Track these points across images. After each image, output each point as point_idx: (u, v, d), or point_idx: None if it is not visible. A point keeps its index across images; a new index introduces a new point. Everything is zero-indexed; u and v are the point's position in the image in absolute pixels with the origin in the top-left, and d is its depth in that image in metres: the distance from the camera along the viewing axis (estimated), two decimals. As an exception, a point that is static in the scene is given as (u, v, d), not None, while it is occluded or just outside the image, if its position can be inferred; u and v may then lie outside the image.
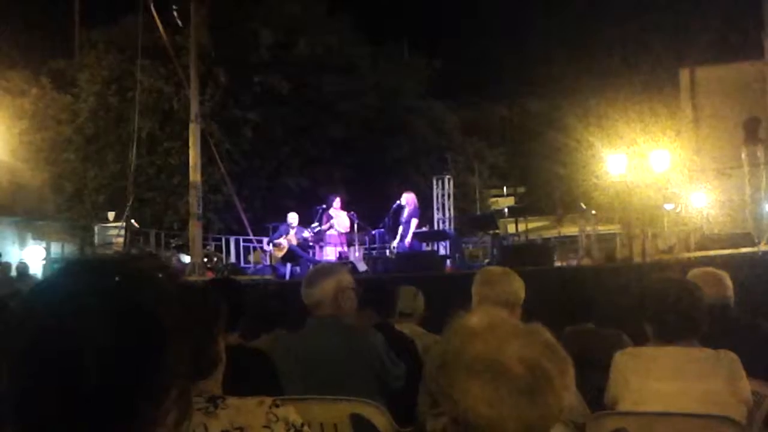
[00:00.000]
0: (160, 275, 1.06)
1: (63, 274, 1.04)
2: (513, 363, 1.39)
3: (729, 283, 4.03)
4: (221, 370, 2.13)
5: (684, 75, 27.53)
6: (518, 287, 3.38)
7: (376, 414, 3.26)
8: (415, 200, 14.35)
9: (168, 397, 1.00)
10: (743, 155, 20.32)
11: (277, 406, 1.95)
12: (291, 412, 1.97)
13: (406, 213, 14.26)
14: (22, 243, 22.33)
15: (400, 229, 14.29)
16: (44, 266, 17.87)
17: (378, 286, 4.64)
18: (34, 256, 19.49)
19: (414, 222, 14.18)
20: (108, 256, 1.08)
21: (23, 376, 0.95)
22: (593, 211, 16.62)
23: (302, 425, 1.98)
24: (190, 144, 15.94)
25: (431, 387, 1.50)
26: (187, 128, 16.55)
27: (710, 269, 4.09)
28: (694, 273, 3.92)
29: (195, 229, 15.47)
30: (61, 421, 0.93)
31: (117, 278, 1.01)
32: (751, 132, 22.99)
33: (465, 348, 1.44)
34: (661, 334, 2.96)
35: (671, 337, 2.92)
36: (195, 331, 1.08)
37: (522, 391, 1.37)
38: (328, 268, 3.89)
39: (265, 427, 1.87)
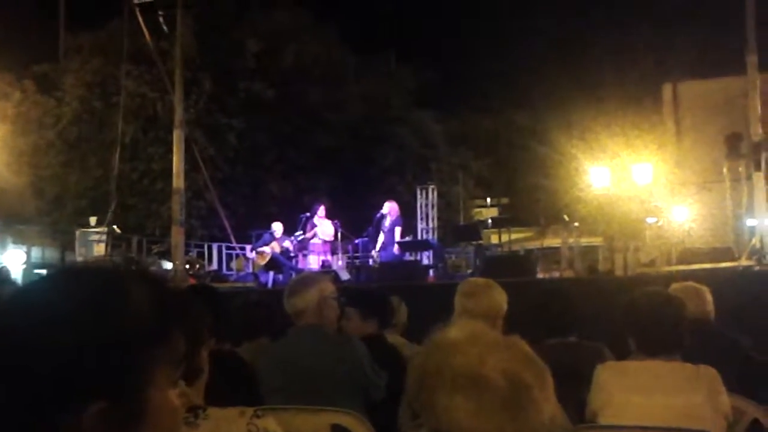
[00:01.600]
0: (142, 282, 1.06)
1: (42, 284, 1.04)
2: (494, 376, 1.39)
3: (709, 297, 4.05)
4: (203, 380, 2.12)
5: (667, 89, 27.72)
6: (500, 299, 3.40)
7: (357, 425, 3.25)
8: (398, 209, 14.36)
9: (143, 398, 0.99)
10: (725, 170, 20.50)
11: (258, 416, 1.94)
12: (271, 423, 1.96)
13: (388, 222, 14.27)
14: (2, 246, 22.13)
15: (382, 237, 14.29)
16: (24, 270, 17.74)
17: (383, 296, 4.62)
18: (13, 260, 19.33)
19: (398, 230, 14.18)
20: (81, 264, 1.07)
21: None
22: (576, 224, 16.71)
23: (283, 436, 1.98)
24: (174, 150, 15.88)
25: (412, 400, 1.50)
26: (170, 134, 16.50)
27: (691, 284, 4.12)
28: (674, 287, 3.93)
29: (177, 236, 15.40)
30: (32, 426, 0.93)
31: (89, 286, 1.00)
32: (732, 147, 23.07)
33: (446, 362, 1.43)
34: (643, 347, 2.97)
35: (654, 351, 2.93)
36: (178, 338, 1.07)
37: (504, 404, 1.37)
38: (311, 278, 3.90)
39: (245, 437, 1.87)
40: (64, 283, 1.02)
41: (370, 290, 5.84)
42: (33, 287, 1.03)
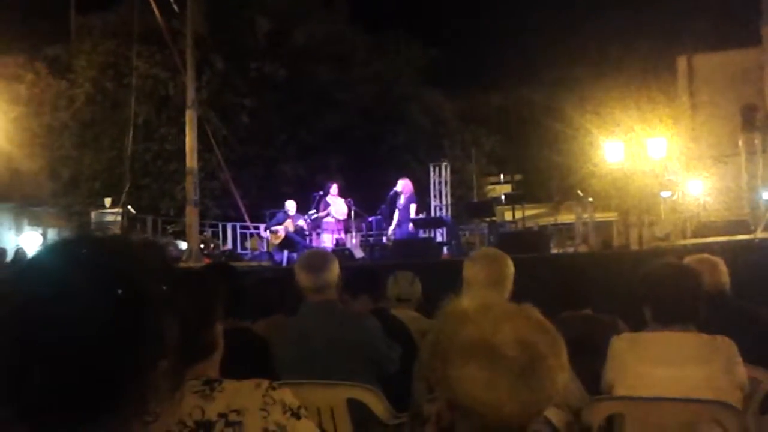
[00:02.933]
0: (146, 250, 1.07)
1: (48, 253, 1.06)
2: (507, 345, 1.38)
3: (724, 269, 4.03)
4: (219, 354, 2.13)
5: (681, 62, 27.51)
6: (505, 266, 3.39)
7: (372, 398, 3.27)
8: (411, 186, 14.33)
9: (157, 369, 1.01)
10: (740, 143, 20.37)
11: (274, 388, 1.95)
12: (288, 395, 1.97)
13: (402, 199, 14.24)
14: (19, 229, 22.33)
15: (396, 214, 14.27)
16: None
17: (370, 271, 4.64)
18: (30, 242, 19.49)
19: (413, 207, 14.16)
20: (92, 236, 1.08)
21: (11, 354, 0.96)
22: (590, 199, 16.60)
23: (299, 408, 1.98)
24: (187, 130, 15.90)
25: (426, 372, 1.50)
26: (183, 114, 16.50)
27: (706, 256, 4.10)
28: (689, 260, 3.91)
29: (192, 216, 15.46)
30: (50, 397, 0.94)
31: (102, 251, 1.02)
32: (748, 119, 22.94)
33: (458, 332, 1.43)
34: (659, 317, 2.96)
35: (670, 321, 2.92)
36: (191, 312, 1.07)
37: (517, 373, 1.37)
38: (327, 253, 3.89)
39: (261, 410, 1.87)
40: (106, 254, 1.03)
41: (356, 269, 5.87)
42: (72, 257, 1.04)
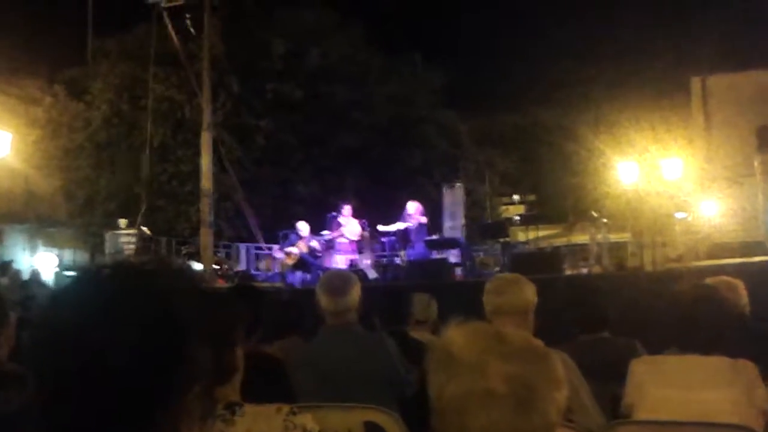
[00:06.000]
0: (181, 279, 1.09)
1: (84, 279, 1.07)
2: (497, 384, 1.38)
3: (744, 291, 4.01)
4: (239, 378, 2.14)
5: (695, 83, 27.44)
6: (530, 293, 3.37)
7: (389, 421, 3.26)
8: (422, 208, 14.50)
9: (190, 394, 1.02)
10: (756, 163, 20.26)
11: (294, 413, 1.96)
12: (308, 420, 1.98)
13: (414, 221, 14.33)
14: (33, 250, 22.41)
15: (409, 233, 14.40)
16: (57, 274, 17.94)
17: (392, 293, 4.64)
18: (44, 263, 19.57)
19: (424, 222, 14.33)
20: (128, 262, 1.10)
21: (47, 378, 0.97)
22: (604, 220, 16.54)
23: (319, 433, 1.99)
24: (203, 152, 16.01)
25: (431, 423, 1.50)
26: (198, 136, 16.61)
27: (725, 278, 4.07)
28: (709, 282, 3.89)
29: (206, 237, 15.54)
30: (88, 420, 0.95)
31: (140, 283, 1.03)
32: (764, 140, 22.84)
33: (446, 387, 1.43)
34: (684, 342, 2.92)
35: (694, 347, 2.89)
36: (215, 335, 1.09)
37: (513, 408, 1.37)
38: (350, 276, 3.87)
39: (282, 434, 1.88)
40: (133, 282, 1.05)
41: (382, 287, 5.85)
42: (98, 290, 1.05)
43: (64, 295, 1.04)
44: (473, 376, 1.40)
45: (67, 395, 0.95)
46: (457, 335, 1.51)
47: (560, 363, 1.46)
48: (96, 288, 1.03)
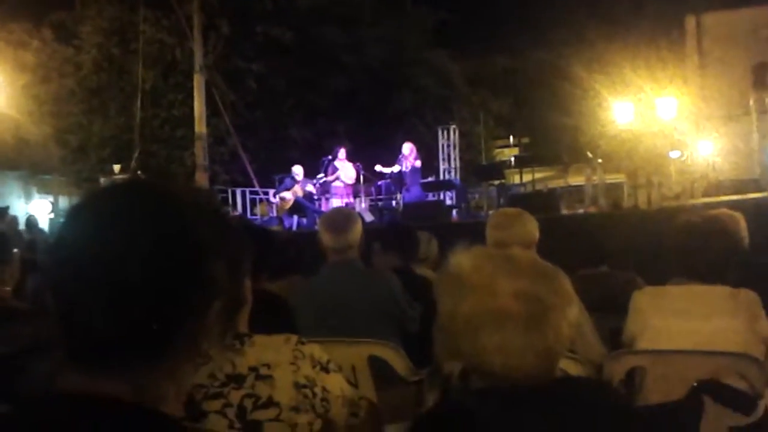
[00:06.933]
0: (196, 196, 1.08)
1: (100, 193, 1.07)
2: (508, 302, 1.39)
3: (744, 224, 4.02)
4: (247, 310, 2.15)
5: (690, 21, 27.18)
6: (532, 227, 3.38)
7: (393, 356, 3.29)
8: (415, 150, 14.54)
9: (211, 311, 1.02)
10: (751, 102, 20.21)
11: (303, 343, 1.98)
12: (316, 349, 2.00)
13: (409, 163, 14.35)
14: (28, 197, 22.39)
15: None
16: (51, 220, 17.93)
17: (407, 231, 4.63)
18: (40, 210, 19.55)
19: (418, 166, 14.37)
20: (143, 178, 1.10)
21: (66, 295, 0.98)
22: (599, 160, 16.53)
23: (328, 362, 2.01)
24: (195, 95, 15.87)
25: (440, 347, 1.51)
26: (190, 80, 16.44)
27: (725, 210, 4.08)
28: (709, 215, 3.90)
29: (202, 181, 15.50)
30: (105, 339, 0.96)
31: (156, 197, 1.03)
32: (759, 78, 22.76)
33: (459, 305, 1.44)
34: (687, 271, 2.93)
35: (697, 276, 2.90)
36: (230, 258, 1.09)
37: (525, 326, 1.38)
38: (351, 213, 3.89)
39: (291, 363, 1.90)
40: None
41: (394, 224, 5.87)
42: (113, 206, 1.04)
43: (80, 209, 1.03)
44: (484, 296, 1.41)
45: (85, 311, 0.95)
46: (465, 259, 1.51)
47: (568, 280, 1.46)
48: (111, 201, 1.03)
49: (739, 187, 13.22)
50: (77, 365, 0.97)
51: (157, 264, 0.95)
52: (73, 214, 1.02)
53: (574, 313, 1.44)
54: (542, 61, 31.24)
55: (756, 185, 12.96)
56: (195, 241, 0.99)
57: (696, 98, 22.39)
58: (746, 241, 3.98)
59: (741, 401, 2.44)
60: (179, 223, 0.99)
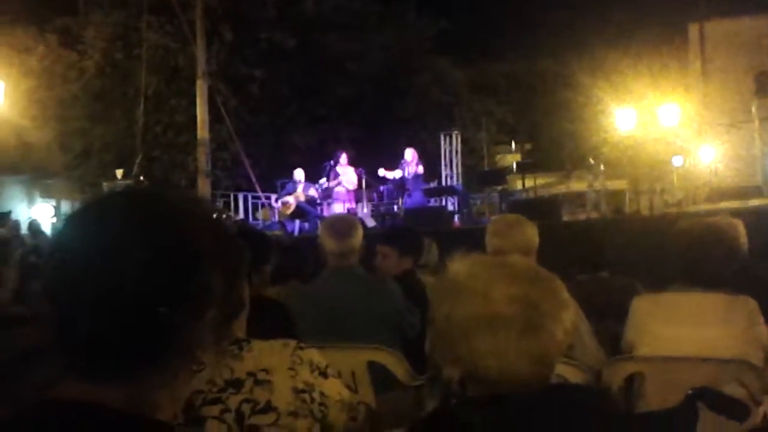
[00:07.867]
0: (193, 204, 1.09)
1: (97, 202, 1.07)
2: (503, 307, 1.39)
3: (743, 230, 4.01)
4: (245, 315, 2.15)
5: (693, 29, 27.20)
6: (532, 234, 3.38)
7: (393, 361, 3.29)
8: (417, 156, 14.54)
9: (206, 319, 1.03)
10: (753, 109, 20.19)
11: (302, 348, 1.98)
12: (315, 355, 2.01)
13: (411, 169, 14.35)
14: (31, 201, 22.39)
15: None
16: (53, 224, 17.94)
17: (417, 235, 4.63)
18: (42, 214, 19.56)
19: (420, 172, 14.34)
20: (139, 187, 1.10)
21: (64, 303, 0.98)
22: (601, 167, 16.53)
23: (326, 367, 2.02)
24: (198, 100, 15.90)
25: (437, 352, 1.52)
26: (193, 85, 16.47)
27: (724, 217, 4.07)
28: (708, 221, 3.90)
29: (204, 186, 15.52)
30: (102, 345, 0.97)
31: (152, 205, 1.04)
32: (761, 86, 22.78)
33: (456, 310, 1.44)
34: (687, 277, 2.93)
35: (697, 282, 2.90)
36: (227, 265, 1.09)
37: (519, 330, 1.38)
38: (353, 219, 3.90)
39: (290, 369, 1.90)
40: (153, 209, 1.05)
41: (407, 228, 5.87)
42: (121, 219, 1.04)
43: (77, 217, 1.04)
44: (479, 301, 1.42)
45: (79, 319, 0.96)
46: (462, 266, 1.52)
47: (564, 286, 1.47)
48: (108, 210, 1.04)
49: (742, 193, 13.22)
50: (72, 372, 0.98)
51: (152, 272, 0.96)
52: (70, 222, 1.03)
53: (569, 318, 1.44)
54: (545, 67, 31.28)
55: (758, 192, 12.95)
56: (190, 250, 1.00)
57: (698, 105, 22.40)
58: (745, 247, 3.97)
59: (735, 409, 2.44)
60: (175, 232, 1.00)
